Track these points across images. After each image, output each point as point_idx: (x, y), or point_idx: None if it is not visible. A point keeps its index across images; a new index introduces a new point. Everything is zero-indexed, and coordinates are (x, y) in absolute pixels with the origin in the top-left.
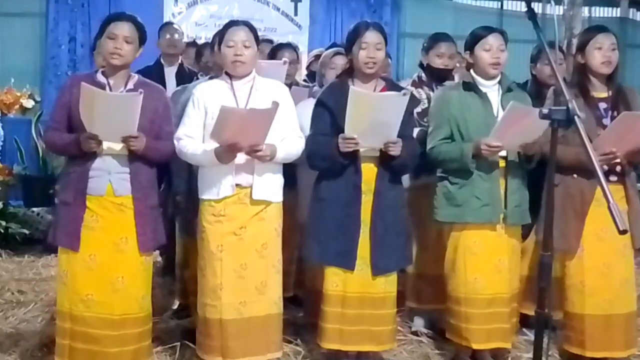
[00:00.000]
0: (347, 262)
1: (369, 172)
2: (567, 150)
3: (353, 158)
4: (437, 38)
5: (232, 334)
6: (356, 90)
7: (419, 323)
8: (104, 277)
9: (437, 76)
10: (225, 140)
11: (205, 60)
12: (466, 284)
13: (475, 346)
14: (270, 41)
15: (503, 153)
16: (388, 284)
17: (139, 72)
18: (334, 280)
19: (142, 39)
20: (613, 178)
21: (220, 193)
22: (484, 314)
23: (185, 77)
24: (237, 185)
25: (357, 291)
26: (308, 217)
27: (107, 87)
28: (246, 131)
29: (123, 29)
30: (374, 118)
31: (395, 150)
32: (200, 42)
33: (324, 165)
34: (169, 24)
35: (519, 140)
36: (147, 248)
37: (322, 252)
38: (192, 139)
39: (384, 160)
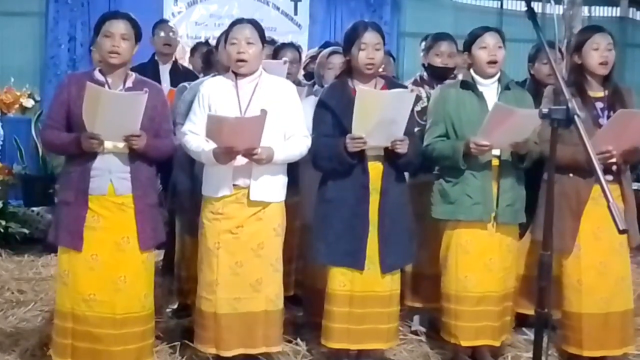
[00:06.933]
0: (356, 262)
1: (374, 170)
2: (563, 150)
3: (360, 158)
4: (437, 37)
5: (226, 327)
6: (364, 89)
7: (417, 322)
8: (107, 277)
9: (437, 75)
10: (220, 143)
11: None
12: (457, 281)
13: (463, 343)
14: (273, 42)
15: (497, 152)
16: (393, 282)
17: (133, 69)
18: (341, 280)
19: (138, 36)
20: (609, 177)
21: (219, 192)
22: (473, 312)
23: (179, 75)
24: (235, 185)
25: (365, 290)
26: (314, 218)
27: (106, 86)
28: (239, 136)
29: (119, 27)
30: (381, 116)
31: (402, 148)
32: (199, 41)
33: (331, 166)
34: (164, 21)
35: (508, 140)
36: (148, 246)
37: (329, 253)
38: (197, 135)
39: (390, 158)
